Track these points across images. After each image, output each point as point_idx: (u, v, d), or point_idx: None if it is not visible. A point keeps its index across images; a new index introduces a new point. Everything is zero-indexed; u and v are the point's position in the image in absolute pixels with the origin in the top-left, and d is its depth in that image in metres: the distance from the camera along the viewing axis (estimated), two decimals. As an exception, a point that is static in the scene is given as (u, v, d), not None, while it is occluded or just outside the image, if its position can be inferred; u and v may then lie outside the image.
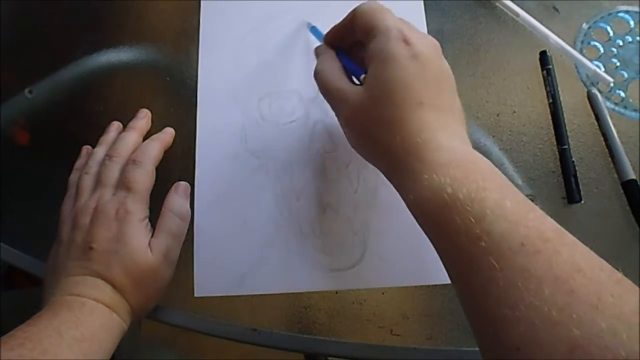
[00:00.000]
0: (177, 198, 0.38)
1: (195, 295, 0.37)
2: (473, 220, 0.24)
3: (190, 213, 0.38)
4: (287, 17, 0.44)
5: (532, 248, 0.23)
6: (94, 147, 0.41)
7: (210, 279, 0.37)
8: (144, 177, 0.37)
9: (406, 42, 0.29)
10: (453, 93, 0.31)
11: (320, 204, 0.39)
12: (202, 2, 0.45)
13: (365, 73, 0.31)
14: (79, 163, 0.41)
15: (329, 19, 0.39)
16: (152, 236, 0.36)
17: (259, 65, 0.43)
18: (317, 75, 0.34)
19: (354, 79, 0.34)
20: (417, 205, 0.27)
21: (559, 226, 0.25)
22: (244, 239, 0.38)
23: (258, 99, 0.42)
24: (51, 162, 0.43)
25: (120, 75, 0.45)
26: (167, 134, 0.41)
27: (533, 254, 0.23)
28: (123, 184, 0.36)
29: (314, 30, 0.41)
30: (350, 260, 0.37)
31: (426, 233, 0.28)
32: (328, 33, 0.36)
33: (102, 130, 0.42)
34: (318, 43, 0.39)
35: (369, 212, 0.38)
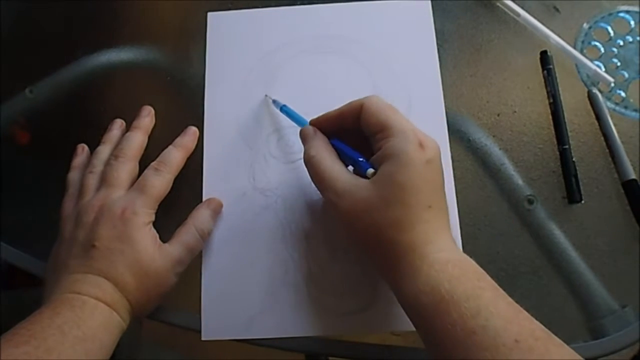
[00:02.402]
0: (205, 214, 0.37)
1: (202, 339, 0.36)
2: (469, 316, 0.26)
3: (211, 232, 0.38)
4: (296, 49, 0.43)
5: (526, 345, 0.25)
6: (93, 147, 0.41)
7: (218, 322, 0.36)
8: (160, 184, 0.36)
9: (422, 146, 0.30)
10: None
11: (330, 245, 0.38)
12: (208, 33, 0.44)
13: (372, 168, 0.31)
14: (76, 161, 0.41)
15: (336, 52, 0.39)
16: (165, 242, 0.36)
17: (267, 99, 0.42)
18: (311, 161, 0.33)
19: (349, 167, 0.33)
20: (413, 298, 0.28)
21: (544, 328, 0.27)
22: (252, 281, 0.37)
23: (266, 135, 0.41)
24: (51, 162, 0.43)
25: (120, 75, 0.45)
26: (190, 137, 0.40)
27: (527, 351, 0.25)
28: (139, 186, 0.36)
29: (285, 109, 0.39)
30: (361, 304, 0.36)
31: (418, 326, 0.29)
32: (319, 121, 0.35)
33: (102, 130, 0.42)
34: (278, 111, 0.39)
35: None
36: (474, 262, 0.30)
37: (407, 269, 0.29)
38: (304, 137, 0.35)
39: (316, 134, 0.35)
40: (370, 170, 0.31)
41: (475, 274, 0.29)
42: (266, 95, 0.41)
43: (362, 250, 0.33)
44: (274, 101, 0.41)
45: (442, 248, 0.29)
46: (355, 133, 0.34)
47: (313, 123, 0.36)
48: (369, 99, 0.32)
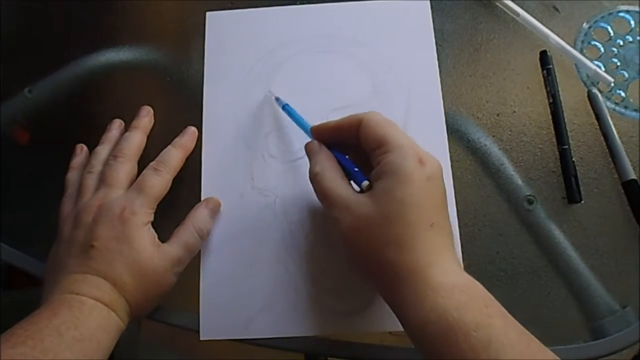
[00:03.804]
0: (203, 214, 0.37)
1: (201, 339, 0.36)
2: (479, 347, 0.25)
3: (210, 231, 0.38)
4: (295, 49, 0.43)
5: None
6: (92, 147, 0.41)
7: (216, 322, 0.36)
8: (159, 184, 0.36)
9: (421, 162, 0.29)
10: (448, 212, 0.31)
11: (329, 244, 0.38)
12: (206, 33, 0.44)
13: (367, 180, 0.31)
14: (75, 161, 0.41)
15: (335, 52, 0.39)
16: (164, 242, 0.36)
17: (266, 99, 0.42)
18: (316, 178, 0.32)
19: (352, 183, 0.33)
20: (419, 327, 0.27)
21: (556, 356, 0.26)
22: (251, 280, 0.37)
23: (265, 135, 0.41)
24: (51, 162, 0.43)
25: (120, 75, 0.45)
26: (189, 137, 0.40)
27: None
28: (138, 186, 0.36)
29: (287, 109, 0.39)
30: (360, 303, 0.36)
31: (424, 354, 0.28)
32: (319, 129, 0.35)
33: (102, 130, 0.42)
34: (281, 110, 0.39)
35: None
36: (479, 285, 0.29)
37: (411, 294, 0.28)
38: (308, 151, 0.35)
39: (321, 148, 0.34)
40: (365, 183, 0.31)
41: (482, 299, 0.28)
42: (269, 92, 0.41)
43: (362, 273, 0.32)
44: (277, 99, 0.40)
45: (446, 270, 0.28)
46: (356, 149, 0.33)
47: (314, 129, 0.35)
48: (368, 114, 0.32)
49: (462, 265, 0.29)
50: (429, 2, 0.43)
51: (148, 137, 0.41)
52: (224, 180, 0.40)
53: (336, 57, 0.43)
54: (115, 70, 0.45)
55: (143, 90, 0.44)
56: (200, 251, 0.38)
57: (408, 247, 0.28)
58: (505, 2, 0.43)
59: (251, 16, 0.44)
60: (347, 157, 0.34)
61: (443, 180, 0.31)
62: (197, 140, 0.41)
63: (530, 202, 0.38)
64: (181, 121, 0.41)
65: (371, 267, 0.30)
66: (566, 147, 0.39)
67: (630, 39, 0.42)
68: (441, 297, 0.27)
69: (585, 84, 0.41)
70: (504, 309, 0.28)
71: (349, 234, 0.30)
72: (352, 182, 0.33)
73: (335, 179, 0.32)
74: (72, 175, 0.40)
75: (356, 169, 0.32)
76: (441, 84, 0.41)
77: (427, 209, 0.29)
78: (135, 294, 0.34)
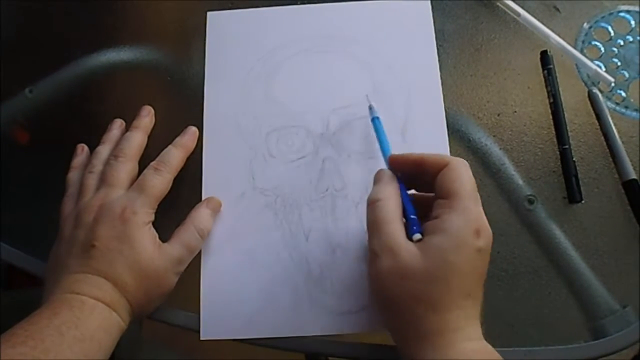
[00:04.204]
0: (204, 214, 0.37)
1: (201, 339, 0.36)
2: None
3: (210, 231, 0.38)
4: (295, 48, 0.43)
5: None
6: (93, 147, 0.41)
7: (217, 322, 0.36)
8: (160, 184, 0.36)
9: (477, 233, 0.29)
10: None
11: (329, 244, 0.38)
12: (207, 33, 0.44)
13: (420, 234, 0.30)
14: (76, 161, 0.41)
15: (335, 52, 0.39)
16: (165, 242, 0.36)
17: (267, 99, 0.42)
18: (375, 206, 0.31)
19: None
20: None
21: None
22: (251, 280, 0.37)
23: (266, 134, 0.41)
24: (51, 162, 0.43)
25: (120, 75, 0.45)
26: (190, 137, 0.40)
27: None
28: (139, 186, 0.36)
29: (376, 123, 0.38)
30: (360, 303, 0.36)
31: None
32: (399, 160, 0.33)
33: (102, 130, 0.42)
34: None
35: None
36: (497, 354, 0.29)
37: (432, 352, 0.28)
38: (379, 178, 0.33)
39: (392, 181, 0.33)
40: (418, 236, 0.30)
41: None
42: (367, 96, 0.40)
43: (385, 315, 0.32)
44: (371, 107, 0.39)
45: (470, 337, 0.29)
46: (419, 184, 0.33)
47: (393, 159, 0.34)
48: (457, 161, 0.31)
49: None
50: (429, 2, 0.43)
51: (149, 137, 0.41)
52: (224, 180, 0.40)
53: (336, 57, 0.42)
54: (115, 70, 0.45)
55: (144, 90, 0.44)
56: (200, 251, 0.38)
57: (442, 310, 0.28)
58: (506, 2, 0.43)
59: (252, 16, 0.44)
60: (410, 199, 0.32)
61: (489, 255, 0.30)
62: (198, 140, 0.41)
63: (530, 201, 0.38)
64: (182, 121, 0.41)
65: (398, 316, 0.30)
66: (567, 147, 0.39)
67: (631, 39, 0.42)
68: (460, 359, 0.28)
69: (585, 84, 0.41)
70: None
71: (387, 276, 0.29)
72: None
73: (393, 215, 0.31)
74: (73, 175, 0.40)
75: (413, 217, 0.31)
76: (442, 83, 0.41)
77: (469, 280, 0.29)
78: (136, 294, 0.34)
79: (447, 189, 0.30)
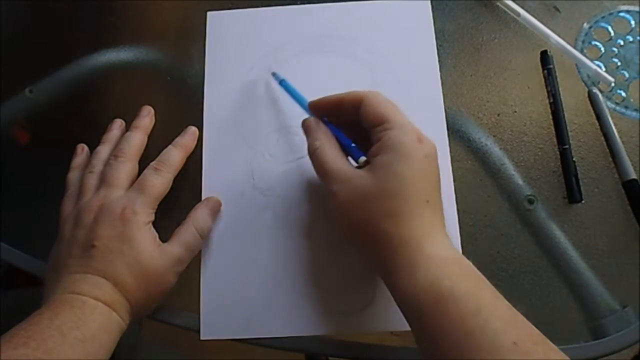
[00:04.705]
0: (204, 214, 0.37)
1: (201, 339, 0.36)
2: (469, 315, 0.26)
3: (210, 230, 0.38)
4: (295, 48, 0.43)
5: (524, 348, 0.25)
6: (93, 147, 0.41)
7: (217, 322, 0.36)
8: (160, 184, 0.36)
9: (420, 140, 0.31)
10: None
11: (329, 244, 0.38)
12: (207, 33, 0.44)
13: (364, 155, 0.32)
14: (76, 161, 0.41)
15: (335, 52, 0.40)
16: (165, 242, 0.36)
17: (267, 99, 0.42)
18: (315, 154, 0.33)
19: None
20: (410, 295, 0.28)
21: (541, 333, 0.27)
22: (251, 280, 0.37)
23: (266, 134, 0.41)
24: (51, 162, 0.43)
25: (120, 75, 0.45)
26: (190, 137, 0.40)
27: (525, 354, 0.25)
28: (139, 186, 0.36)
29: (285, 84, 0.40)
30: (361, 303, 0.36)
31: (412, 323, 0.29)
32: (318, 104, 0.35)
33: (102, 130, 0.42)
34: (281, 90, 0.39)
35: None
36: (470, 262, 0.30)
37: (404, 263, 0.29)
38: (306, 127, 0.35)
39: (319, 124, 0.35)
40: (363, 158, 0.32)
41: (474, 273, 0.29)
42: (268, 69, 0.41)
43: (356, 245, 0.33)
44: (274, 74, 0.41)
45: (440, 243, 0.30)
46: (350, 125, 0.34)
47: (312, 105, 0.36)
48: (370, 92, 0.33)
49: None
50: (429, 2, 0.43)
51: (149, 137, 0.41)
52: (224, 180, 0.40)
53: (336, 57, 0.43)
54: (115, 70, 0.45)
55: (144, 90, 0.44)
56: (200, 251, 0.38)
57: (404, 219, 0.29)
58: (506, 2, 0.43)
59: (252, 16, 0.44)
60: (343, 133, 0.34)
61: (437, 161, 0.32)
62: (198, 140, 0.41)
63: (530, 201, 0.38)
64: (182, 121, 0.41)
65: (366, 238, 0.31)
66: (567, 146, 0.39)
67: (631, 39, 0.42)
68: (434, 266, 0.28)
69: (585, 83, 0.41)
70: (492, 286, 0.29)
71: (346, 205, 0.31)
72: (348, 157, 0.33)
73: (334, 153, 0.33)
74: (73, 175, 0.40)
75: (353, 145, 0.33)
76: (442, 83, 0.41)
77: (424, 186, 0.30)
78: (136, 294, 0.34)
79: (376, 114, 0.32)
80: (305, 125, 0.36)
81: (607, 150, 0.39)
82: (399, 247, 0.29)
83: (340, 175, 0.31)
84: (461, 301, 0.26)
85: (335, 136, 0.34)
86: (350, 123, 0.34)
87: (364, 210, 0.30)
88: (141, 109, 0.42)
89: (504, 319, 0.26)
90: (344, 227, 0.33)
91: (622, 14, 0.43)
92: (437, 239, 0.30)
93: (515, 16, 0.43)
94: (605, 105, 0.40)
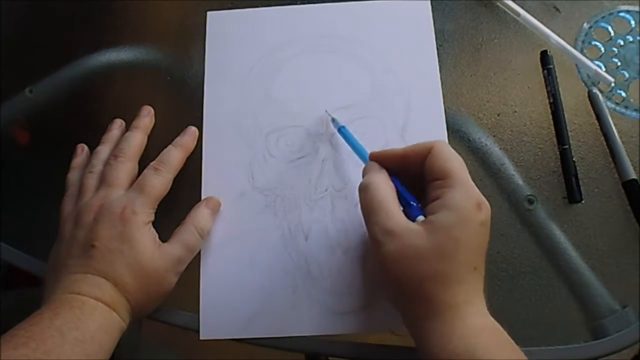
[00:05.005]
0: (203, 214, 0.37)
1: (201, 338, 0.36)
2: None
3: (210, 230, 0.38)
4: (295, 48, 0.43)
5: None
6: (93, 147, 0.41)
7: (216, 322, 0.36)
8: (159, 184, 0.36)
9: (479, 207, 0.30)
10: None
11: (329, 244, 0.38)
12: (207, 33, 0.44)
13: (423, 216, 0.30)
14: (76, 161, 0.41)
15: (335, 52, 0.40)
16: (165, 242, 0.36)
17: (267, 99, 0.42)
18: (368, 188, 0.31)
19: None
20: (443, 358, 0.28)
21: None
22: (251, 280, 0.37)
23: (266, 134, 0.41)
24: (51, 162, 0.43)
25: (120, 75, 0.45)
26: (190, 137, 0.40)
27: None
28: (138, 186, 0.36)
29: (343, 132, 0.38)
30: (361, 303, 0.36)
31: None
32: (380, 156, 0.33)
33: (102, 130, 0.42)
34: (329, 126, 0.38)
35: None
36: (505, 332, 0.29)
37: (441, 327, 0.28)
38: (367, 170, 0.33)
39: (381, 169, 0.33)
40: (421, 218, 0.30)
41: (509, 344, 0.29)
42: (326, 111, 0.40)
43: (394, 296, 0.32)
44: (333, 120, 0.39)
45: (479, 312, 0.29)
46: (409, 177, 0.33)
47: (374, 156, 0.34)
48: (439, 143, 0.31)
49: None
50: (429, 2, 0.43)
51: (149, 137, 0.41)
52: (224, 180, 0.40)
53: (336, 57, 0.43)
54: (115, 70, 0.45)
55: (143, 90, 0.44)
56: (200, 251, 0.38)
57: (451, 284, 0.29)
58: (506, 2, 0.43)
59: (252, 16, 0.44)
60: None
61: (489, 229, 0.31)
62: (198, 140, 0.41)
63: (530, 201, 0.38)
64: (182, 121, 0.41)
65: (406, 295, 0.30)
66: (567, 147, 0.39)
67: (631, 39, 0.42)
68: (471, 334, 0.28)
69: (585, 84, 0.41)
70: (524, 355, 0.28)
71: (394, 260, 0.29)
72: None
73: (387, 197, 0.31)
74: (72, 175, 0.40)
75: (414, 204, 0.31)
76: (442, 83, 0.41)
77: (475, 253, 0.29)
78: (136, 294, 0.34)
79: (441, 169, 0.30)
80: (366, 168, 0.34)
81: (607, 150, 0.39)
82: (439, 311, 0.29)
83: (389, 223, 0.30)
84: None
85: (397, 189, 0.32)
86: (408, 176, 0.33)
87: (413, 268, 0.29)
88: (141, 109, 0.42)
89: None
90: (384, 277, 0.32)
91: (622, 14, 0.43)
92: (477, 306, 0.29)
93: (515, 16, 0.43)
94: (605, 105, 0.40)
